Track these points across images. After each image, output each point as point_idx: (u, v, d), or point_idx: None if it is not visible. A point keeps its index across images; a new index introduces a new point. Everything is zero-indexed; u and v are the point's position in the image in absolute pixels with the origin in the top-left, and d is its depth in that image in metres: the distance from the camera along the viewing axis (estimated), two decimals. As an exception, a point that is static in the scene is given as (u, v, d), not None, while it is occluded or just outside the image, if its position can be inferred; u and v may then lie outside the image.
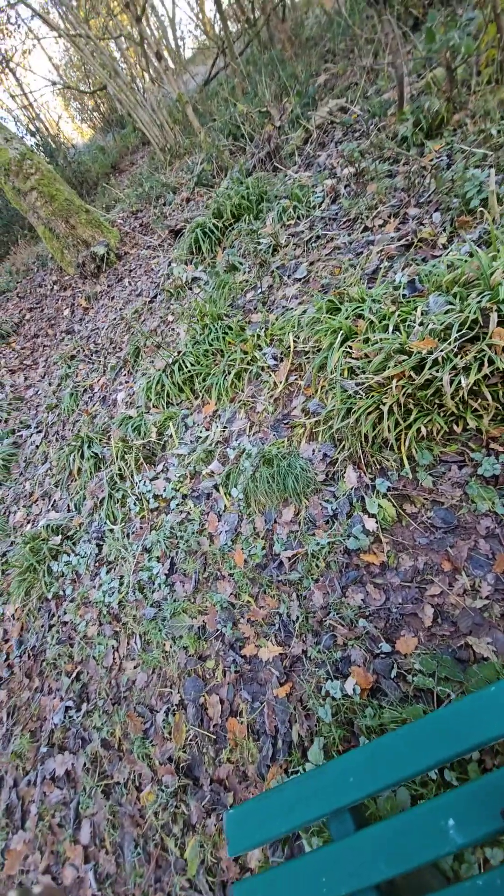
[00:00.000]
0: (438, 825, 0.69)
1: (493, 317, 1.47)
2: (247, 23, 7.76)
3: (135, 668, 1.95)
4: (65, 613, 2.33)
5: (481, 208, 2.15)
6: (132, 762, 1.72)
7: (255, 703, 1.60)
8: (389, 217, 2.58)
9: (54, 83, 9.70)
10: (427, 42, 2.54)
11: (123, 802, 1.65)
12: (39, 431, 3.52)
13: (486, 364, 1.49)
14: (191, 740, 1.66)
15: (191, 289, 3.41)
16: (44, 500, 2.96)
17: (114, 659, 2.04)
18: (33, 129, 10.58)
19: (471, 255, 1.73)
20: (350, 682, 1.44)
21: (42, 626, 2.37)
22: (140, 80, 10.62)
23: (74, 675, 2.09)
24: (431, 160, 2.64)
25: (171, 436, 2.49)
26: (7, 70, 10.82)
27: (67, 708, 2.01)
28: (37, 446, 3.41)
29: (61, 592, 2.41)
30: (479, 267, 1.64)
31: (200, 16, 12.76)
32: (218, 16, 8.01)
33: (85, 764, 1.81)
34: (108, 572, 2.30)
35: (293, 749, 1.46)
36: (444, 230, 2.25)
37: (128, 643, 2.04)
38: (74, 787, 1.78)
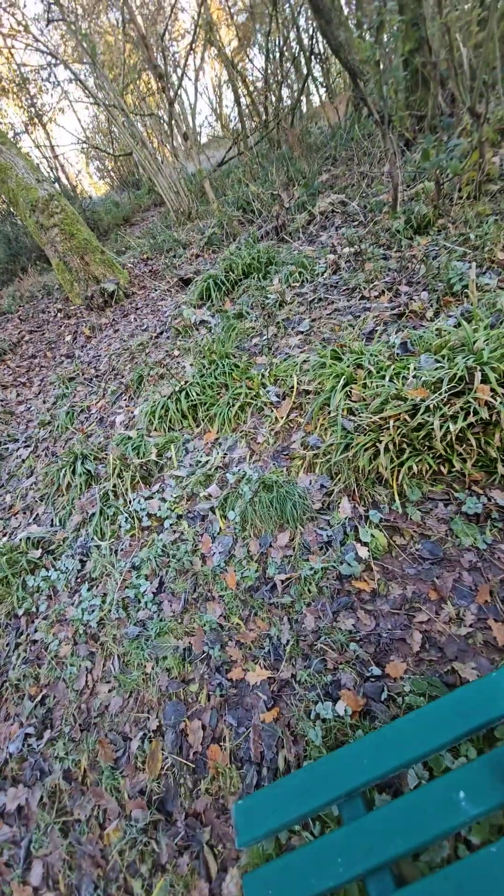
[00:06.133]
0: (450, 798, 0.74)
1: (478, 375, 1.72)
2: (261, 122, 9.03)
3: (109, 691, 1.86)
4: (35, 631, 2.20)
5: (463, 293, 2.53)
6: (98, 795, 1.59)
7: (240, 729, 1.56)
8: (384, 290, 2.97)
9: (83, 142, 10.71)
10: (423, 160, 3.13)
11: (83, 841, 1.50)
12: (27, 446, 3.49)
13: (471, 414, 1.71)
14: (167, 770, 1.57)
15: (198, 329, 3.66)
16: (25, 513, 2.87)
17: (86, 681, 1.93)
18: (54, 177, 11.42)
19: (458, 325, 2.03)
20: (340, 704, 1.45)
21: (7, 644, 2.22)
22: (159, 153, 11.90)
23: (39, 698, 1.95)
24: (420, 251, 3.11)
25: (170, 458, 2.57)
26: (39, 123, 11.85)
27: (27, 735, 1.85)
28: (23, 460, 3.36)
29: (34, 609, 2.29)
30: (465, 336, 1.94)
31: (218, 110, 14.71)
32: (236, 111, 9.26)
33: (42, 798, 1.65)
34: (89, 589, 2.23)
35: (279, 776, 1.42)
36: (431, 306, 2.62)
37: (104, 665, 1.95)
38: (27, 824, 1.61)
